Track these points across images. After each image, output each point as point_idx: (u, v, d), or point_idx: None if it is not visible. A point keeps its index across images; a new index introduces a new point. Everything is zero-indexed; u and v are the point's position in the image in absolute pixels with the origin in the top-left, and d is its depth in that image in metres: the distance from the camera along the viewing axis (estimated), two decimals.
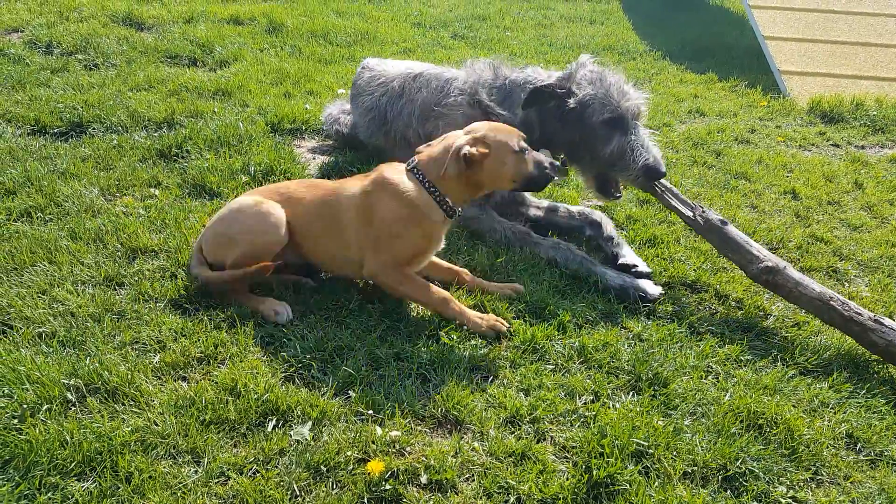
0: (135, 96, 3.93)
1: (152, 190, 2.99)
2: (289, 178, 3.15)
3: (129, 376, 1.88)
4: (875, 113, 4.64)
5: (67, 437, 1.66)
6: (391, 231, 2.19)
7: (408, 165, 2.27)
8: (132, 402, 1.82)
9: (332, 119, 3.68)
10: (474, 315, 2.20)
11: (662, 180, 2.73)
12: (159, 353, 2.01)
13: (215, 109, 3.84)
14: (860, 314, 2.14)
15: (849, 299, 2.54)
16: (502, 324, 2.19)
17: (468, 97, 2.90)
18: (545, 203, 3.07)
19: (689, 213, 2.57)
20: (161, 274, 2.38)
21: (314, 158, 3.53)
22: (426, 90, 3.09)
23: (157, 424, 1.74)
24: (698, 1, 8.53)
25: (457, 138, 2.23)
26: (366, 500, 1.59)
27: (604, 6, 7.92)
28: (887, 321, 2.10)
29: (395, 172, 2.26)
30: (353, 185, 2.31)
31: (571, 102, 2.70)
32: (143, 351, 2.03)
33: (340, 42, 5.45)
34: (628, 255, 2.69)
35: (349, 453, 1.69)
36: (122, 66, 4.45)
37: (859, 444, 1.88)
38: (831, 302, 2.18)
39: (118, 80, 4.19)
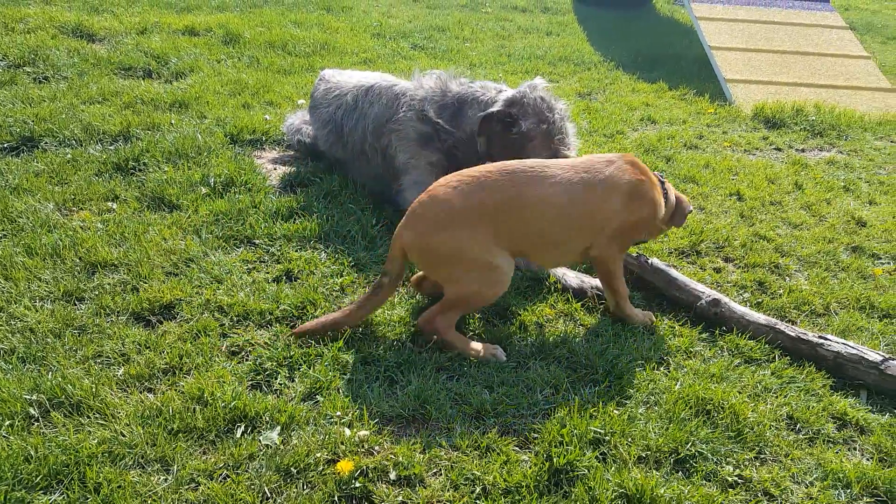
0: (88, 109, 3.86)
1: (110, 204, 2.96)
2: (249, 189, 3.16)
3: (94, 389, 1.87)
4: (814, 118, 4.92)
5: (32, 452, 1.65)
6: (636, 225, 2.35)
7: (660, 177, 2.45)
8: (98, 415, 1.81)
9: (294, 129, 3.68)
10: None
11: None
12: (123, 365, 2.01)
13: (172, 121, 3.81)
14: (806, 334, 2.31)
15: (789, 292, 2.74)
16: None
17: (416, 112, 2.95)
18: None
19: (633, 259, 2.71)
20: (122, 287, 2.37)
21: (275, 169, 3.54)
22: (377, 105, 3.11)
23: (124, 435, 1.74)
24: (649, 13, 8.87)
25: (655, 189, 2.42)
26: (336, 499, 1.63)
27: (560, 18, 8.15)
28: (830, 336, 2.28)
29: (654, 181, 2.41)
30: (604, 169, 2.31)
31: (514, 132, 2.78)
32: (106, 364, 2.02)
33: (299, 52, 5.46)
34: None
35: (318, 455, 1.72)
36: (74, 78, 4.36)
37: (798, 425, 2.02)
38: (778, 326, 2.35)
39: (70, 92, 4.10)
